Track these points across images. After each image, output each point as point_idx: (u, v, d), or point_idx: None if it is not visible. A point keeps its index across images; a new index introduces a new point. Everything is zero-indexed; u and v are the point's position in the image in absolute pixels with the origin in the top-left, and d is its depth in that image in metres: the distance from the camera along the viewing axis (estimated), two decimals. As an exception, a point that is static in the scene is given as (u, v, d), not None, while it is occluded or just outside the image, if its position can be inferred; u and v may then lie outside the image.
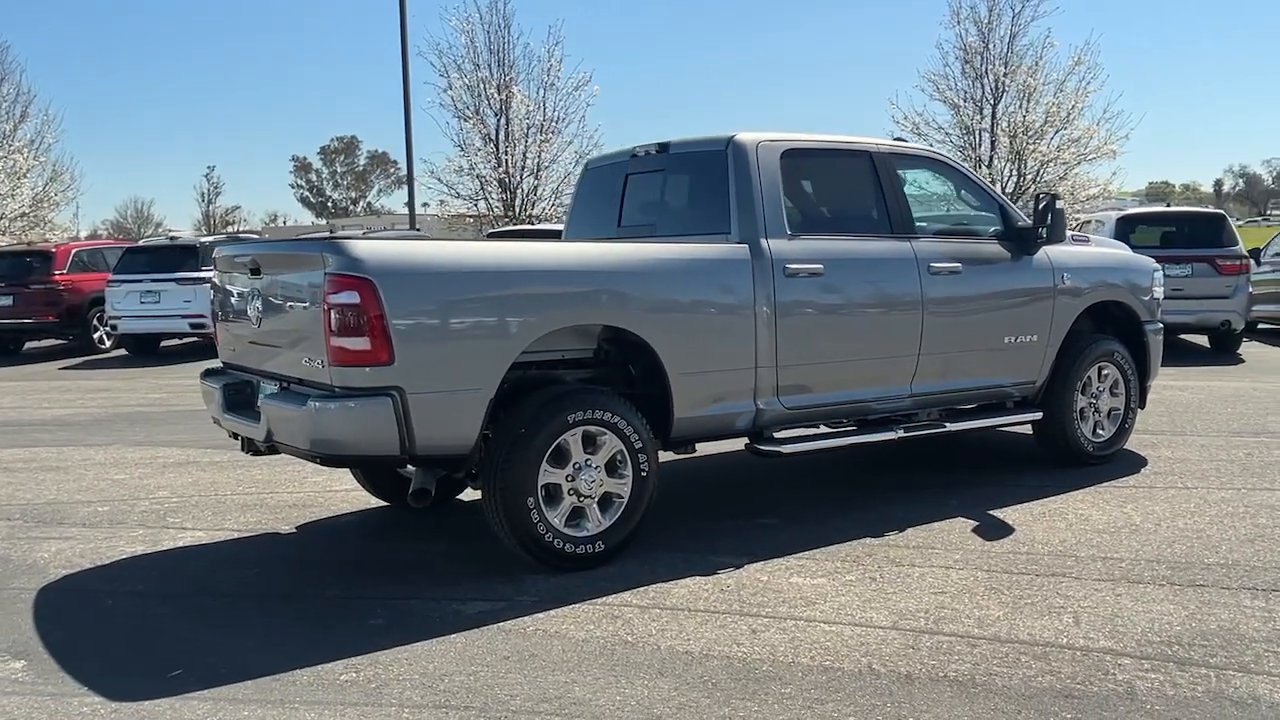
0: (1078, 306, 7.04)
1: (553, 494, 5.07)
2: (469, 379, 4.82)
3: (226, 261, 5.73)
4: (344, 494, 6.96)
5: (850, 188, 6.25)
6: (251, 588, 5.13)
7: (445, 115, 22.81)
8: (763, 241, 5.66)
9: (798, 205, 5.96)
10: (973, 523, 5.90)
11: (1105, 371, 7.27)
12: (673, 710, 3.64)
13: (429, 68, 23.10)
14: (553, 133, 22.57)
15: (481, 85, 22.24)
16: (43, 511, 6.75)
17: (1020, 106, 21.84)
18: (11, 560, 5.65)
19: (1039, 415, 6.94)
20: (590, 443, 5.15)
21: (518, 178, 22.51)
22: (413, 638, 4.35)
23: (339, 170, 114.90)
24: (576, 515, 5.15)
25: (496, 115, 22.41)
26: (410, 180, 22.82)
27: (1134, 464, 7.27)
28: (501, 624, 4.49)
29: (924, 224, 6.51)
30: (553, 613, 4.61)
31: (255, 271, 5.21)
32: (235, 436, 5.57)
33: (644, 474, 5.26)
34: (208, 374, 5.94)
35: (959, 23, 22.26)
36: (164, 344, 17.92)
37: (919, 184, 6.70)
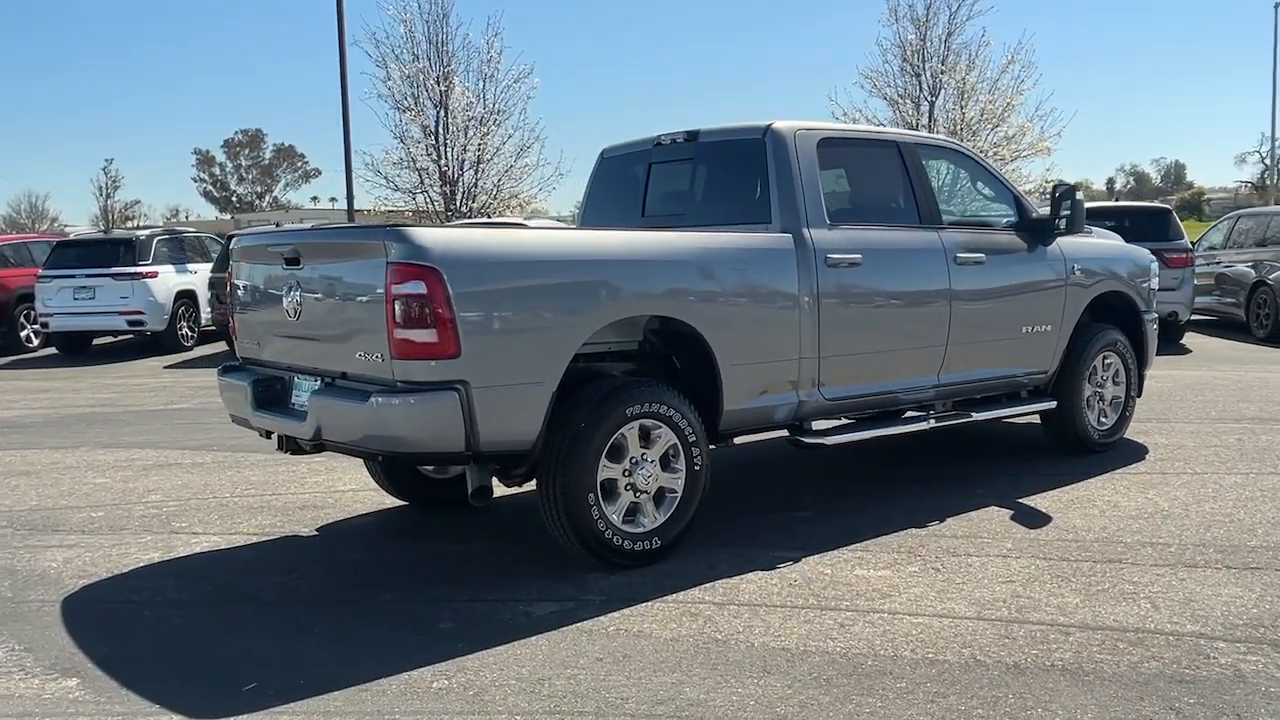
0: (1087, 297, 7.13)
1: (609, 490, 4.94)
2: (533, 372, 4.66)
3: (253, 251, 5.46)
4: (352, 494, 6.72)
5: (881, 178, 6.22)
6: (294, 593, 4.89)
7: (383, 107, 22.37)
8: (805, 231, 5.60)
9: (834, 195, 5.90)
10: (1008, 511, 5.92)
11: (1109, 361, 7.38)
12: (796, 709, 3.55)
13: (364, 58, 22.60)
14: (494, 125, 22.28)
15: (420, 76, 21.83)
16: (31, 518, 6.38)
17: (957, 104, 22.22)
18: (18, 571, 5.31)
19: (1053, 404, 7.00)
20: (645, 437, 5.03)
21: (458, 171, 22.14)
22: (491, 641, 4.18)
23: (244, 164, 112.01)
24: (633, 511, 5.03)
25: (436, 107, 22.01)
26: (348, 174, 22.27)
27: (1137, 451, 7.39)
28: (579, 624, 4.34)
29: (947, 214, 6.51)
30: (626, 612, 4.47)
31: (293, 261, 4.96)
32: (267, 435, 5.31)
33: (697, 468, 5.16)
34: (228, 370, 5.65)
35: (897, 21, 22.60)
36: (96, 342, 17.20)
37: (939, 174, 6.70)
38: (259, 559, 5.44)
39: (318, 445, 4.87)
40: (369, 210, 23.97)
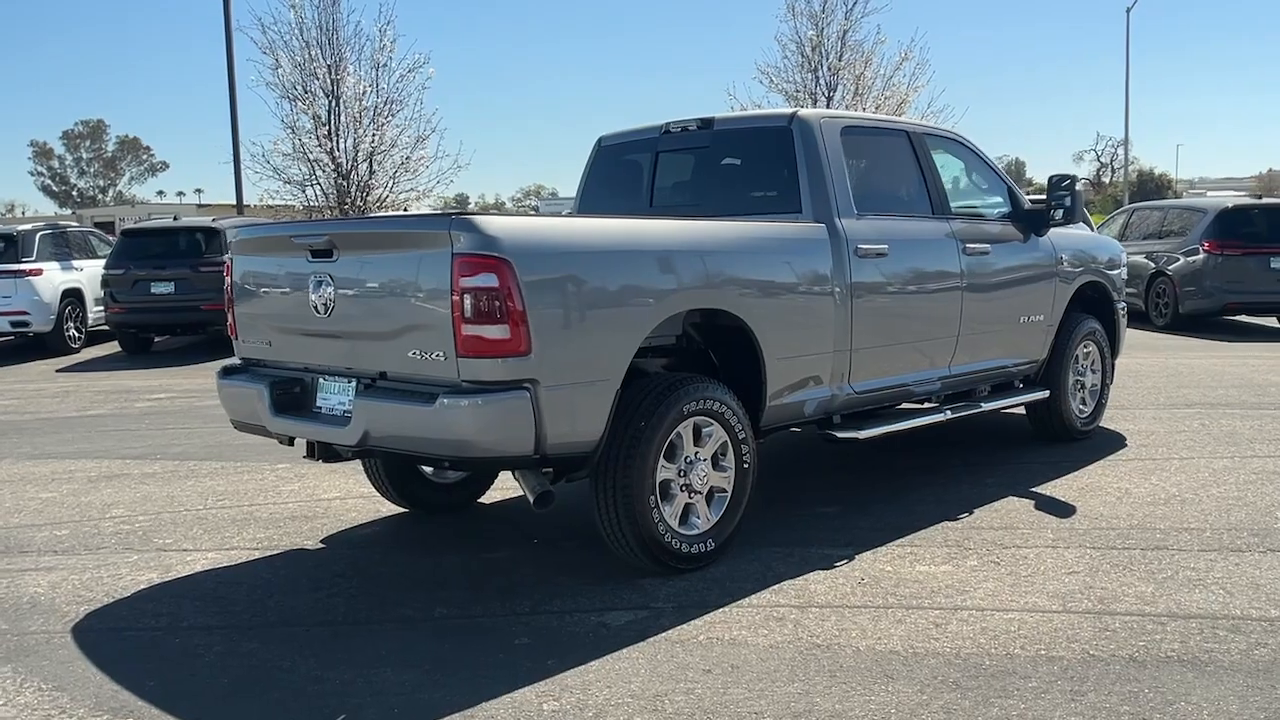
0: (1073, 287, 7.23)
1: (665, 491, 4.72)
2: (598, 370, 4.41)
3: (265, 243, 5.04)
4: (339, 502, 6.32)
5: (897, 167, 6.15)
6: (334, 612, 4.51)
7: (269, 95, 21.43)
8: (837, 221, 5.48)
9: (857, 184, 5.80)
10: (1028, 501, 5.93)
11: (1088, 350, 7.51)
12: (939, 714, 3.41)
13: (248, 45, 21.54)
14: (388, 116, 21.56)
15: (312, 64, 20.97)
16: (-14, 539, 5.78)
17: (853, 99, 22.56)
18: (3, 599, 4.78)
19: (1046, 393, 7.07)
20: (695, 435, 4.83)
21: (350, 163, 21.35)
22: (580, 655, 3.93)
23: (85, 157, 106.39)
24: (686, 512, 4.82)
25: (328, 96, 21.18)
26: (236, 166, 21.25)
27: (1114, 439, 7.54)
28: (664, 634, 4.12)
29: (953, 204, 6.50)
30: (707, 619, 4.27)
31: (323, 254, 4.57)
32: (289, 442, 4.90)
33: (746, 465, 4.99)
34: (230, 373, 5.21)
35: (795, 17, 22.82)
36: (-31, 345, 15.97)
37: (942, 164, 6.68)
38: (274, 576, 5.02)
39: (363, 451, 4.51)
40: (257, 205, 22.93)
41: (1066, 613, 4.25)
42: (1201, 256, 14.65)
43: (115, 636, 4.30)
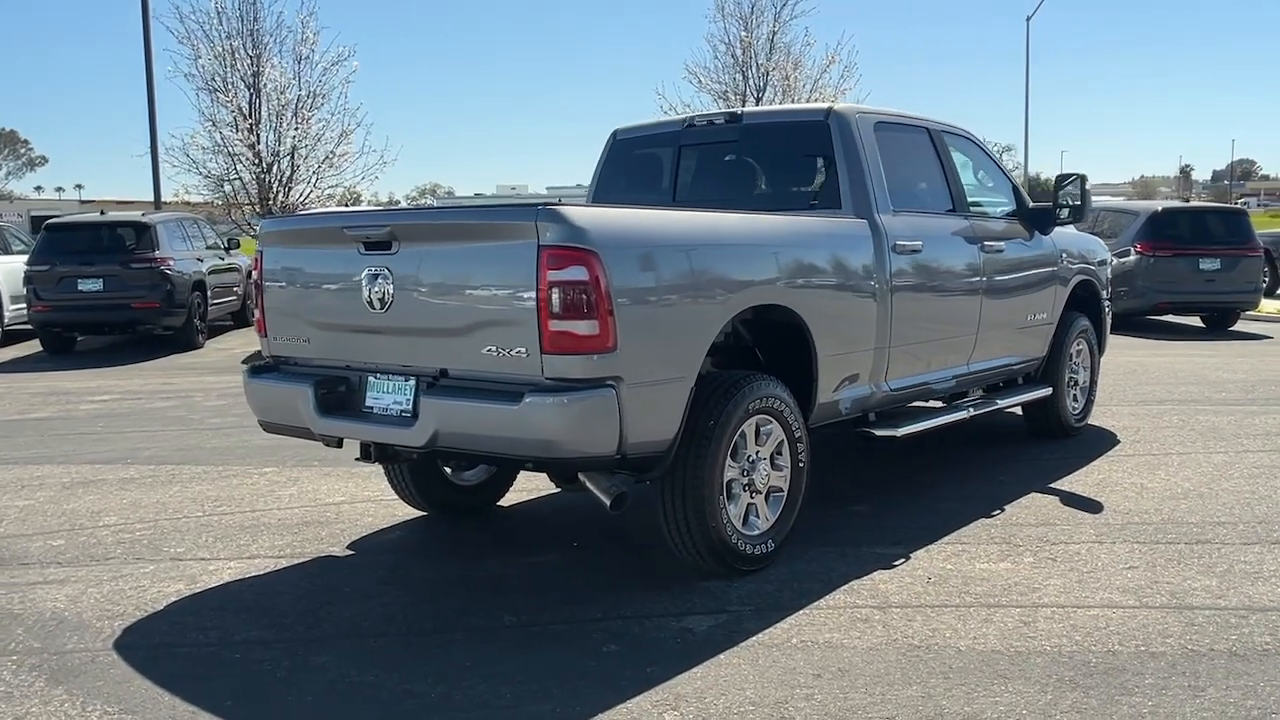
0: (1071, 285, 7.34)
1: (730, 491, 4.62)
2: (676, 366, 4.28)
3: (306, 235, 4.77)
4: (347, 505, 6.06)
5: (922, 163, 6.14)
6: (395, 622, 4.29)
7: (187, 87, 20.59)
8: (877, 216, 5.44)
9: (889, 180, 5.77)
10: (1052, 498, 5.98)
11: (1079, 347, 7.63)
12: (1070, 713, 3.37)
13: (168, 36, 20.64)
14: (310, 110, 20.92)
15: (232, 56, 20.22)
16: (-25, 551, 5.37)
17: (782, 100, 22.71)
18: (21, 615, 4.43)
19: (1049, 391, 7.16)
20: (756, 433, 4.73)
21: (272, 156, 20.66)
22: (680, 663, 3.79)
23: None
24: (747, 513, 4.72)
25: (249, 89, 20.45)
26: (154, 159, 20.34)
27: (1104, 435, 7.68)
28: (755, 638, 4.01)
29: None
30: (792, 622, 4.17)
31: (380, 245, 4.34)
32: (338, 444, 4.65)
33: (801, 464, 4.91)
34: (260, 372, 4.92)
35: (724, 18, 22.90)
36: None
37: (958, 161, 6.69)
38: (313, 585, 4.76)
39: (430, 453, 4.29)
40: (174, 200, 22.01)
41: (1145, 608, 4.27)
42: (1134, 258, 15.09)
43: (166, 653, 4.01)
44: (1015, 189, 6.99)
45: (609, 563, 5.02)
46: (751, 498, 4.71)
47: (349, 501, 6.16)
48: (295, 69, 20.91)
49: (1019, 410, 7.47)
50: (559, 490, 6.23)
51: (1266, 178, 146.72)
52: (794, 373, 5.06)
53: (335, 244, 4.56)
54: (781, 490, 4.86)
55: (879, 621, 4.16)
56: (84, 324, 14.12)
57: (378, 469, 6.72)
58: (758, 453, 4.72)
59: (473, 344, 4.13)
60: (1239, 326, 15.89)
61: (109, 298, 13.68)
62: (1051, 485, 6.23)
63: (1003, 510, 5.72)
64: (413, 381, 4.37)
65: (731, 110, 5.90)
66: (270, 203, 20.96)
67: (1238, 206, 17.30)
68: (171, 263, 14.04)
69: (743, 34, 22.71)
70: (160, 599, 4.60)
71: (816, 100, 22.78)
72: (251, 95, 20.60)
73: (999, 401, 6.60)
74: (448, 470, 5.65)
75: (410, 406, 4.35)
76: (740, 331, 5.07)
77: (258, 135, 20.46)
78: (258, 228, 5.06)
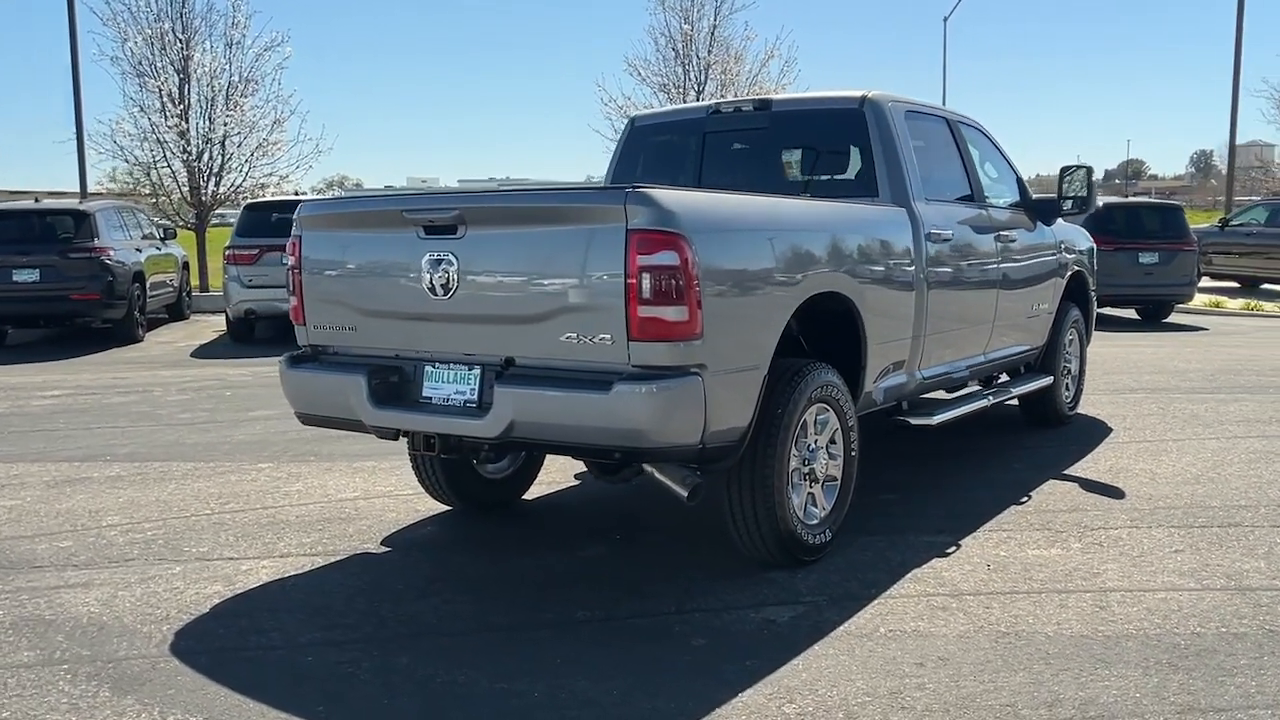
0: (1068, 275, 7.45)
1: (793, 481, 4.57)
2: (753, 354, 4.21)
3: (353, 218, 4.58)
4: (365, 501, 5.87)
5: (944, 153, 6.16)
6: (466, 620, 4.14)
7: (114, 71, 19.82)
8: (914, 204, 5.44)
9: (920, 169, 5.78)
10: (1070, 484, 6.05)
11: (1071, 337, 7.76)
12: (1182, 694, 3.39)
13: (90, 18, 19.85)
14: (241, 97, 20.29)
15: (162, 40, 19.49)
16: (-22, 554, 5.06)
17: (722, 93, 22.76)
18: (54, 621, 4.17)
19: (1050, 380, 7.26)
20: (813, 423, 4.69)
21: (203, 143, 19.99)
22: (776, 655, 3.73)
23: None
24: (807, 502, 4.68)
25: (179, 74, 19.75)
26: (80, 145, 19.51)
27: (1094, 423, 7.82)
28: (842, 628, 3.97)
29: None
30: (870, 611, 4.14)
31: (444, 230, 4.17)
32: (394, 436, 4.47)
33: (853, 453, 4.89)
34: (299, 361, 4.71)
35: (665, 10, 22.85)
36: None
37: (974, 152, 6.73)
38: (361, 583, 4.57)
39: (502, 445, 4.15)
40: (98, 189, 21.15)
41: (1208, 590, 4.33)
42: (1077, 252, 15.43)
43: (232, 658, 3.81)
44: (1019, 179, 7.06)
45: (657, 555, 4.93)
46: (810, 487, 4.67)
47: (364, 497, 5.96)
48: (227, 54, 20.26)
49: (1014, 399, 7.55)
50: (575, 483, 6.17)
51: (1155, 177, 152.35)
52: (838, 362, 5.02)
53: (389, 227, 4.38)
54: (835, 479, 4.83)
55: (957, 609, 4.14)
56: (18, 316, 13.49)
57: (380, 464, 6.59)
58: (816, 441, 4.68)
59: (549, 331, 3.99)
60: (1171, 319, 16.37)
61: (46, 289, 13.08)
62: (1066, 472, 6.32)
63: (1029, 497, 5.77)
64: (477, 370, 4.22)
65: (760, 97, 5.84)
66: (200, 191, 20.32)
67: (1174, 202, 17.82)
68: (112, 253, 13.50)
69: (684, 27, 22.69)
70: (202, 601, 4.37)
71: (758, 95, 22.87)
72: (181, 80, 19.91)
73: (1012, 390, 6.66)
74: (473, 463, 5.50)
75: (475, 396, 4.21)
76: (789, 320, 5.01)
77: (188, 122, 19.78)
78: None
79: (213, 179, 20.37)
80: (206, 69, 20.01)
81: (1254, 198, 28.20)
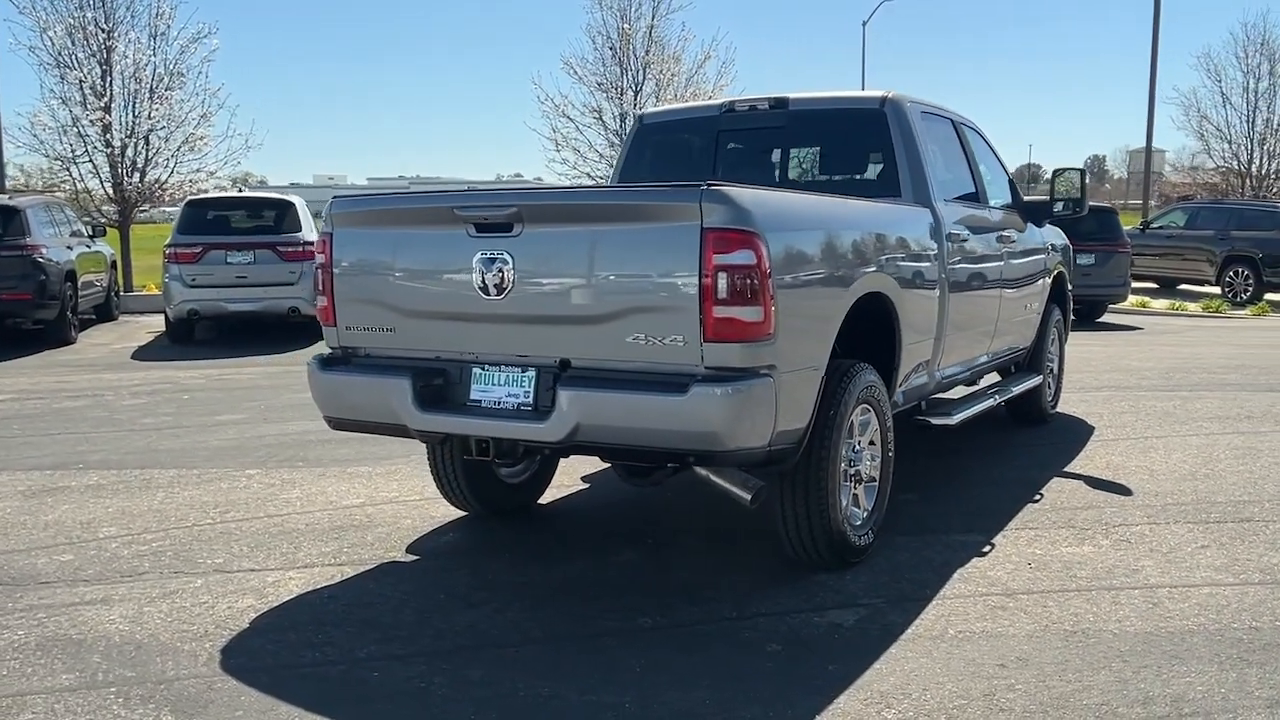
0: (1052, 276, 7.57)
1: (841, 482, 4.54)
2: (814, 354, 4.17)
3: (390, 215, 4.41)
4: (373, 508, 5.68)
5: (953, 154, 6.19)
6: (526, 630, 4.01)
7: (32, 61, 18.94)
8: (936, 205, 5.46)
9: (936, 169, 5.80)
10: (1076, 482, 6.14)
11: (1052, 335, 7.89)
12: (1263, 687, 3.45)
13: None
14: (166, 90, 19.60)
15: (82, 30, 18.73)
16: (-26, 570, 4.77)
17: (660, 93, 22.72)
18: (88, 641, 3.94)
19: (1040, 378, 7.36)
20: (858, 423, 4.67)
21: (128, 136, 19.26)
22: (857, 661, 3.69)
23: None
24: (851, 503, 4.66)
25: (102, 65, 19.00)
26: (-3, 137, 18.66)
27: (1074, 421, 7.97)
28: (910, 631, 3.95)
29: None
30: (933, 613, 4.13)
31: (498, 228, 4.04)
32: (441, 441, 4.32)
33: (890, 453, 4.88)
34: (332, 364, 4.53)
35: (602, 9, 22.71)
36: None
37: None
38: (398, 594, 4.41)
39: (564, 449, 4.03)
40: (13, 184, 20.24)
41: (1248, 585, 4.42)
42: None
43: (291, 675, 3.63)
44: (1010, 181, 7.15)
45: (693, 558, 4.86)
46: (855, 488, 4.65)
47: (370, 504, 5.77)
48: (151, 45, 19.58)
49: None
50: (584, 486, 6.07)
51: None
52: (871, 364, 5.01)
53: (435, 224, 4.24)
54: (874, 480, 4.81)
55: (1016, 609, 4.16)
56: (-59, 318, 12.82)
57: (375, 469, 6.41)
58: (860, 442, 4.66)
59: (613, 332, 3.89)
60: (1105, 318, 16.82)
61: (-29, 290, 12.46)
62: (1068, 469, 6.41)
63: (1042, 495, 5.83)
64: (532, 373, 4.10)
65: (777, 96, 5.80)
66: (123, 187, 19.61)
67: (1109, 205, 18.30)
68: (44, 251, 12.91)
69: (624, 26, 22.59)
70: (237, 615, 4.17)
71: (695, 96, 22.89)
72: (104, 72, 19.19)
73: (1012, 389, 6.75)
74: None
75: (530, 399, 4.09)
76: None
77: (111, 115, 19.07)
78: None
79: (137, 174, 19.64)
80: (130, 60, 19.28)
81: (1143, 202, 29.10)
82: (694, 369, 3.78)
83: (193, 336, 13.57)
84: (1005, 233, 6.48)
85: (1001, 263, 6.33)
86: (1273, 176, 29.39)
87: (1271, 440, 7.20)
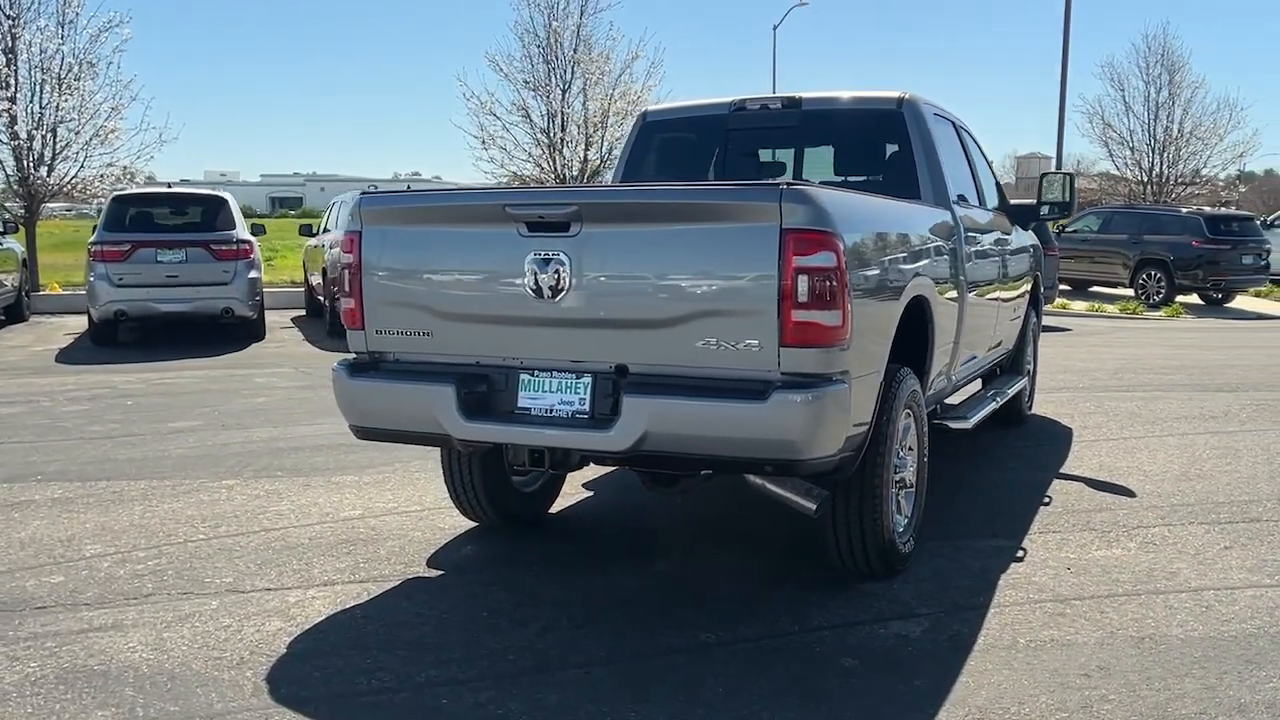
0: (1033, 278, 7.64)
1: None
2: (877, 359, 4.07)
3: (431, 213, 4.18)
4: (375, 519, 5.42)
5: (957, 156, 6.16)
6: (587, 649, 3.81)
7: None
8: (954, 207, 5.43)
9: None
10: (1076, 484, 6.18)
11: (1029, 337, 7.96)
12: (1351, 695, 3.45)
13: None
14: (77, 79, 18.68)
15: (-14, 16, 17.74)
16: (-45, 595, 4.39)
17: (589, 92, 22.53)
18: (113, 673, 3.63)
19: (1025, 380, 7.41)
20: (902, 429, 4.59)
21: (34, 128, 18.30)
22: (939, 674, 3.60)
23: None
24: (895, 510, 4.58)
25: (6, 55, 18.00)
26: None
27: (1048, 422, 8.06)
28: (981, 641, 3.88)
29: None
30: (996, 622, 4.07)
31: (554, 227, 3.85)
32: (489, 450, 4.10)
33: (925, 459, 4.82)
34: (362, 370, 4.27)
35: (529, 7, 22.40)
36: None
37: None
38: (435, 613, 4.17)
39: (629, 459, 3.85)
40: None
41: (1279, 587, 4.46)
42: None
43: (353, 704, 3.39)
44: (997, 183, 7.18)
45: (731, 569, 4.71)
46: (899, 495, 4.57)
47: (370, 515, 5.50)
48: (59, 34, 18.65)
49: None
50: (589, 494, 5.89)
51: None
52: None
53: (480, 223, 4.02)
54: (912, 485, 4.74)
55: (1076, 615, 4.12)
56: None
57: (360, 478, 6.16)
58: (903, 448, 4.58)
59: (680, 336, 3.73)
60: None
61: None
62: (1064, 471, 6.46)
63: (1050, 498, 5.85)
64: (588, 379, 3.91)
65: (789, 95, 5.70)
66: (28, 181, 18.64)
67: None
68: (-44, 248, 12.18)
69: (553, 23, 22.33)
70: (269, 639, 3.90)
71: (624, 96, 22.76)
72: (9, 60, 18.21)
73: (1008, 391, 6.77)
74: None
75: (586, 406, 3.90)
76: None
77: (16, 105, 18.12)
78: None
79: (44, 167, 18.70)
80: (37, 49, 18.35)
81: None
82: (769, 375, 3.65)
83: (117, 338, 12.94)
84: (1002, 235, 6.50)
85: (1001, 265, 6.34)
86: (1173, 182, 30.45)
87: (1244, 440, 7.36)
